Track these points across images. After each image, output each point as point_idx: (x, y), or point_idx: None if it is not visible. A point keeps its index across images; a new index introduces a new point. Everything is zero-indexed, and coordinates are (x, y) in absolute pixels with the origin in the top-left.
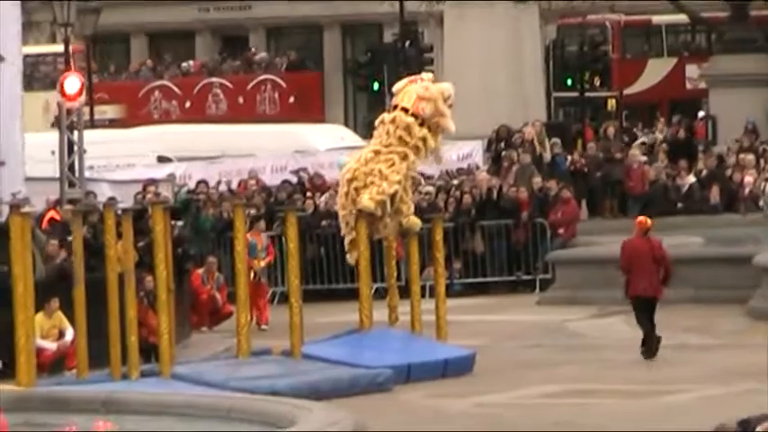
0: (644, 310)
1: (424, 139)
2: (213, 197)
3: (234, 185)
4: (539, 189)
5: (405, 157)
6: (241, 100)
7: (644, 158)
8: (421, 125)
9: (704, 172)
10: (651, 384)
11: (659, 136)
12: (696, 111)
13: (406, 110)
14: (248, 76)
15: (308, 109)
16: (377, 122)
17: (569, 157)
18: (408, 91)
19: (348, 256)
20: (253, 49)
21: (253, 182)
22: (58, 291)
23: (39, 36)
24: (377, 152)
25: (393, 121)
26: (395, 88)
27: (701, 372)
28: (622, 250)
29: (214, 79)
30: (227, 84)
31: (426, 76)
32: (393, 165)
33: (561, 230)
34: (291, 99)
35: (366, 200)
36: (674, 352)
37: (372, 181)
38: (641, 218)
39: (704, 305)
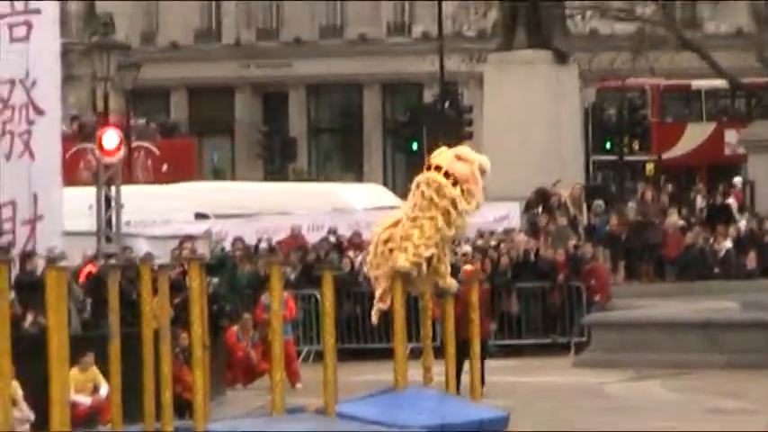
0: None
1: (453, 202)
2: (250, 254)
3: (275, 243)
4: (575, 250)
5: (433, 221)
6: None
7: (681, 223)
8: (454, 185)
9: (742, 236)
10: None
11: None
12: (735, 176)
13: (439, 168)
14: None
15: (181, 177)
16: (413, 185)
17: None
18: (445, 152)
19: (373, 313)
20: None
21: (295, 239)
22: (93, 345)
23: (79, 90)
24: (414, 218)
25: (426, 182)
26: (434, 153)
27: None
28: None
29: (87, 145)
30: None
31: (466, 147)
32: (423, 230)
33: (597, 297)
34: (164, 167)
35: (402, 260)
36: (711, 416)
37: (406, 246)
38: (468, 266)
39: (739, 370)
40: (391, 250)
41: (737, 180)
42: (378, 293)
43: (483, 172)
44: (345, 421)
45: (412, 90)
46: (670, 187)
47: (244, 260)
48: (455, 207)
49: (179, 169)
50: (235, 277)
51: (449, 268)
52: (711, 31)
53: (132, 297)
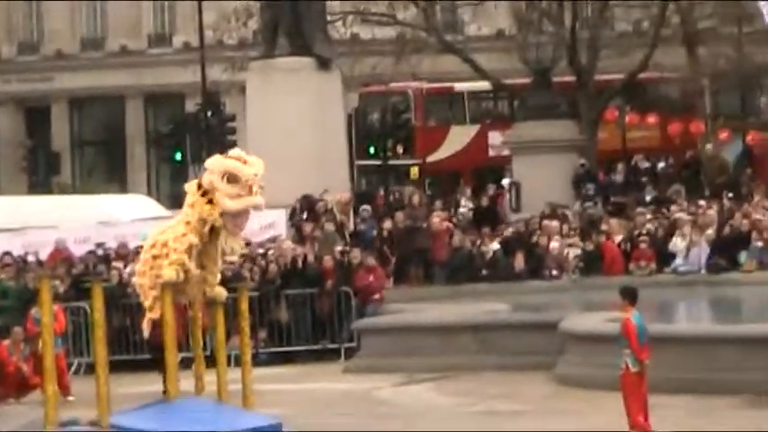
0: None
1: (202, 212)
2: (18, 268)
3: (42, 257)
4: (341, 256)
5: (184, 223)
6: None
7: (448, 225)
8: (203, 195)
9: (509, 238)
10: None
11: (465, 204)
12: (499, 177)
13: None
14: None
15: None
16: None
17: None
18: (213, 161)
19: (144, 324)
20: None
21: (62, 252)
22: None
23: None
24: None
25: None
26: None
27: None
28: None
29: None
30: None
31: (234, 151)
32: (176, 230)
33: (376, 296)
34: None
35: (166, 268)
36: (483, 418)
37: (167, 253)
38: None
39: (511, 372)
40: (155, 257)
41: (506, 182)
42: (147, 304)
43: (224, 175)
44: None
45: (174, 100)
46: (430, 191)
47: (11, 274)
48: (207, 217)
49: None
50: (3, 292)
51: (218, 277)
52: (473, 33)
53: None
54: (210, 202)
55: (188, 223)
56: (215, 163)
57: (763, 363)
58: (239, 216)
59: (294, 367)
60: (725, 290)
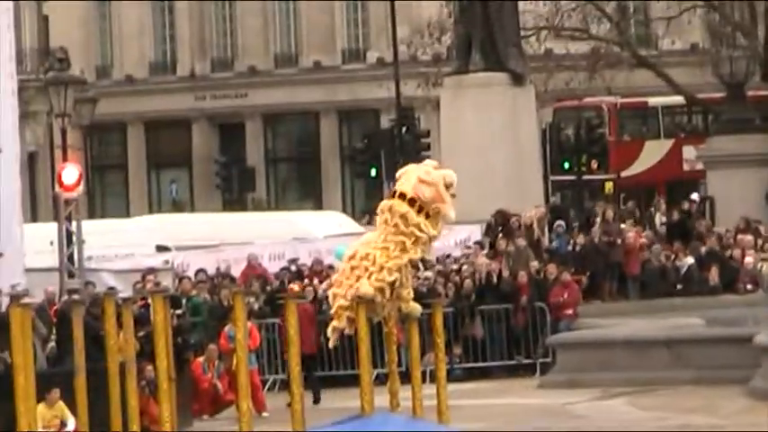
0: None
1: (419, 227)
2: (213, 284)
3: (235, 273)
4: (536, 272)
5: (403, 247)
6: None
7: (643, 240)
8: (419, 212)
9: (703, 253)
10: None
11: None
12: (694, 192)
13: (404, 195)
14: None
15: None
16: (378, 212)
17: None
18: (408, 173)
19: (330, 332)
20: None
21: (255, 269)
22: (59, 381)
23: (35, 126)
24: (384, 247)
25: (390, 209)
26: (398, 174)
27: None
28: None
29: None
30: None
31: (430, 162)
32: (390, 253)
33: (569, 311)
34: None
35: (365, 285)
36: None
37: (367, 267)
38: (292, 285)
39: (706, 386)
40: (353, 268)
41: (695, 196)
42: (333, 311)
43: (449, 186)
44: None
45: (368, 116)
46: (630, 205)
47: (206, 291)
48: (421, 231)
49: None
50: (198, 309)
51: (411, 293)
52: (666, 48)
53: (97, 332)
54: (428, 215)
55: (398, 243)
56: (434, 175)
57: None
58: None
59: (489, 382)
60: None
